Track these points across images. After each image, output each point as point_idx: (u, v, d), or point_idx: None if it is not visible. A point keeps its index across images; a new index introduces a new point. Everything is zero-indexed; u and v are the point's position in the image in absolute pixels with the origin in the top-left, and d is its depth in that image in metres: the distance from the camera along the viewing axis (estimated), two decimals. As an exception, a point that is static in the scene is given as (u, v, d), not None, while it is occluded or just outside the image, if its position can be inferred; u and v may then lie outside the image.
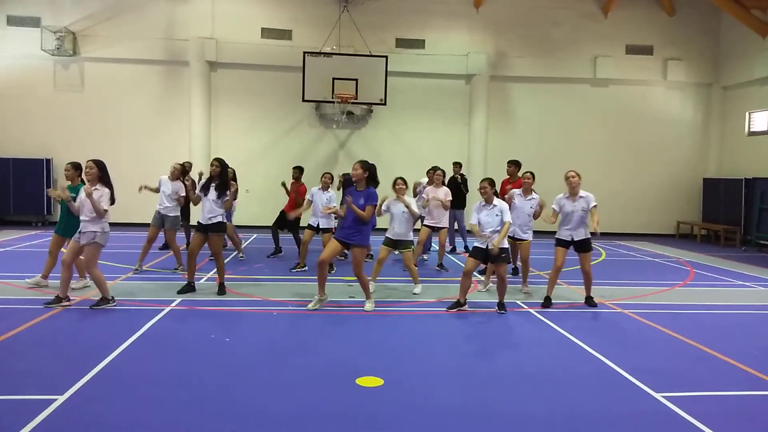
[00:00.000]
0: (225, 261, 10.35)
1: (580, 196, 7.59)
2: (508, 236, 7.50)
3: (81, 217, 6.95)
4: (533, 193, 8.60)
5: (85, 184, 7.13)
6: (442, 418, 4.20)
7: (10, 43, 15.76)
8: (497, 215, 7.16)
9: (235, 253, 11.33)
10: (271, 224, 11.31)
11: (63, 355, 5.40)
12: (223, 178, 7.85)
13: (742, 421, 4.28)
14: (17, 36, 15.71)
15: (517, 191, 8.61)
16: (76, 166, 7.63)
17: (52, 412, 4.05)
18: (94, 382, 4.65)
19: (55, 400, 4.24)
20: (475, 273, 8.10)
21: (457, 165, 12.65)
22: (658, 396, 4.67)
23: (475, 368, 5.35)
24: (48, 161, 15.84)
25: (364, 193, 7.03)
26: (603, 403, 4.57)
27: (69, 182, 7.61)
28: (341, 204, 8.56)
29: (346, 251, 7.71)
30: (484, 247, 7.14)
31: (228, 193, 7.81)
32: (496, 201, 7.29)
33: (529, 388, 4.83)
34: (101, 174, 7.04)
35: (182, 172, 10.07)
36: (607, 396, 4.71)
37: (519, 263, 9.36)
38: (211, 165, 7.96)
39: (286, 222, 10.49)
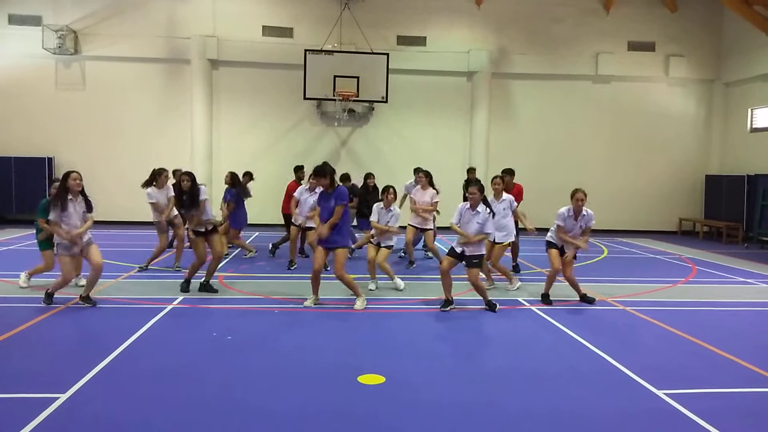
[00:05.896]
0: (227, 260, 10.35)
1: (582, 215, 7.60)
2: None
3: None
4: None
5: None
6: (445, 415, 4.21)
7: (11, 42, 15.77)
8: (479, 223, 7.10)
9: (237, 251, 11.33)
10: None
11: (65, 353, 5.44)
12: (191, 192, 7.66)
13: (744, 418, 4.27)
14: (19, 35, 15.71)
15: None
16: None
17: (54, 410, 4.07)
18: (96, 380, 4.67)
19: (57, 398, 4.26)
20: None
21: (472, 171, 12.38)
22: (660, 393, 4.66)
23: (478, 365, 5.36)
24: (50, 160, 15.88)
25: (333, 194, 7.17)
26: (605, 400, 4.57)
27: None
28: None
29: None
30: (460, 251, 7.16)
31: (196, 207, 7.68)
32: (480, 207, 7.17)
33: (531, 386, 4.83)
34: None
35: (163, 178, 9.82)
36: (609, 393, 4.71)
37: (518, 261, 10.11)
38: (182, 180, 7.73)
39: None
